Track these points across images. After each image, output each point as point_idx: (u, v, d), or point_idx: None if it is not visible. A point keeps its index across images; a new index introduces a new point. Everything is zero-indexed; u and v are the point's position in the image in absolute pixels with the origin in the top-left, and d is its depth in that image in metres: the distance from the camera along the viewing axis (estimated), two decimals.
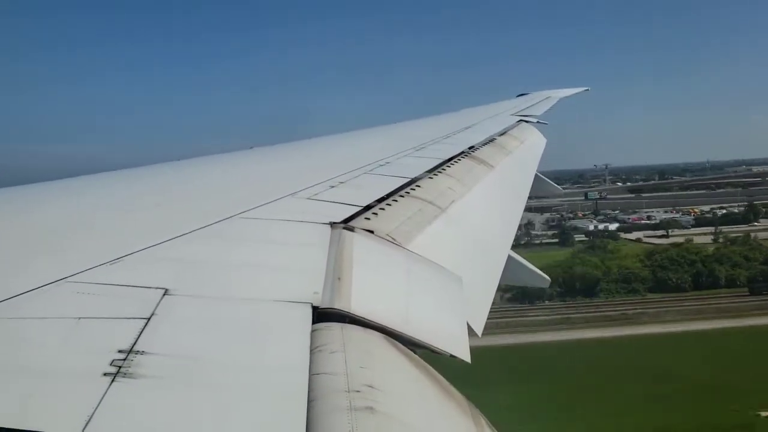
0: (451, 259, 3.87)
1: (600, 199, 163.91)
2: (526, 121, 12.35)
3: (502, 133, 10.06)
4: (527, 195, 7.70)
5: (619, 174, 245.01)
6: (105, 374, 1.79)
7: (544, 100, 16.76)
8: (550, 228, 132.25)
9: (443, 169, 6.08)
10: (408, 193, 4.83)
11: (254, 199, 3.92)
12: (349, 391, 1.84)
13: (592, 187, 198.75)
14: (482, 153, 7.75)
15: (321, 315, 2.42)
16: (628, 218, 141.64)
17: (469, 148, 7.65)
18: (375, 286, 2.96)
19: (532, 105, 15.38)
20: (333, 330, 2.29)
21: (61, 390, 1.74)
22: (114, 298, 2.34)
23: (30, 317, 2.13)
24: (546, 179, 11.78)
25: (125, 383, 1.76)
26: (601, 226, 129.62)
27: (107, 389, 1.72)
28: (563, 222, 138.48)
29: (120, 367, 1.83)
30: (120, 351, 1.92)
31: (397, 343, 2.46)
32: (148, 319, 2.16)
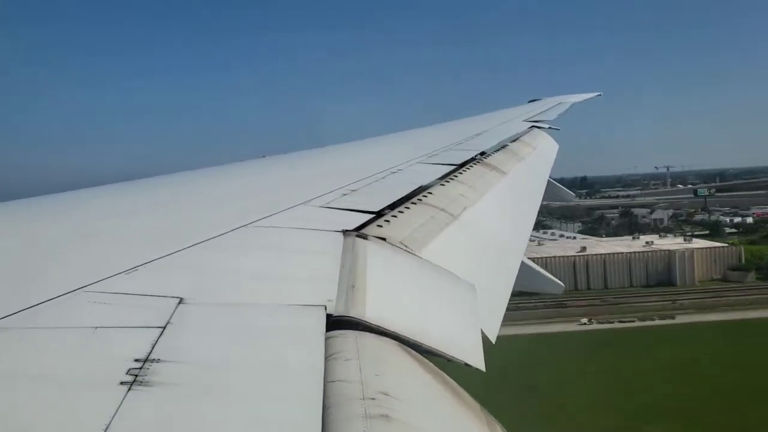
0: (464, 266, 3.85)
1: (709, 196, 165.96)
2: (538, 127, 12.31)
3: (514, 139, 10.03)
4: (540, 201, 7.67)
5: (674, 177, 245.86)
6: (121, 383, 1.80)
7: (556, 105, 16.70)
8: (680, 222, 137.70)
9: (455, 176, 6.07)
10: (420, 200, 4.83)
11: (267, 208, 3.94)
12: (364, 399, 1.84)
13: (652, 189, 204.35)
14: (494, 159, 7.73)
15: (335, 323, 2.42)
16: (751, 213, 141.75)
17: (481, 154, 7.64)
18: (388, 293, 2.96)
19: (544, 111, 15.32)
20: (347, 338, 2.29)
21: (77, 399, 1.76)
22: (130, 307, 2.35)
23: (47, 327, 2.16)
24: (559, 185, 11.72)
25: (141, 392, 1.77)
26: (736, 219, 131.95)
27: (124, 398, 1.73)
28: (702, 216, 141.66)
29: (136, 375, 1.84)
30: (136, 360, 1.93)
31: (411, 350, 2.46)
32: (164, 327, 2.17)
